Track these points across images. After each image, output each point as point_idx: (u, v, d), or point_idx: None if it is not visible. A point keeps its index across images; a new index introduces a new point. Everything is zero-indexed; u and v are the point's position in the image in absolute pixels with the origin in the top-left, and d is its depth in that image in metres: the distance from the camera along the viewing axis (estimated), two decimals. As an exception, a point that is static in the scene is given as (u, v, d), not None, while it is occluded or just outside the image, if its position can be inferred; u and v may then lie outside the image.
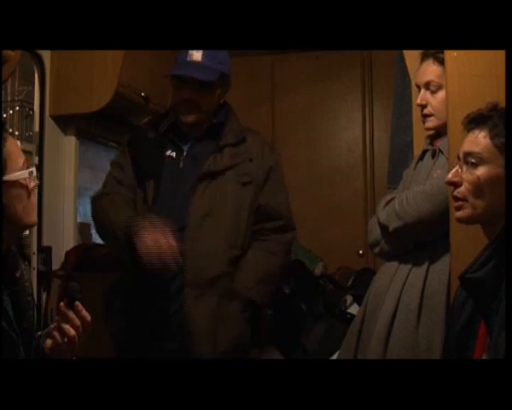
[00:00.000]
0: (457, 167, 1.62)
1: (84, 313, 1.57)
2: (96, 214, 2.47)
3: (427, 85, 2.21)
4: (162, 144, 2.48)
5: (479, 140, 1.58)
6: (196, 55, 2.38)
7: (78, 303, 1.56)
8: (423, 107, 2.22)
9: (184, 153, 2.47)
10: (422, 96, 2.22)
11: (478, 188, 1.56)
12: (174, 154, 2.47)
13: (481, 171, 1.56)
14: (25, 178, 1.57)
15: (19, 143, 1.65)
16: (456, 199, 1.61)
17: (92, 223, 2.51)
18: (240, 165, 2.45)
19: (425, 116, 2.23)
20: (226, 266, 2.38)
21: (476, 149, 1.58)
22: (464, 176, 1.59)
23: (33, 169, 1.60)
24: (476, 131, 1.59)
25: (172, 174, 2.44)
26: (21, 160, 1.58)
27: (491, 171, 1.55)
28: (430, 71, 2.20)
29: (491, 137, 1.56)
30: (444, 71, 2.10)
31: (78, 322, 1.55)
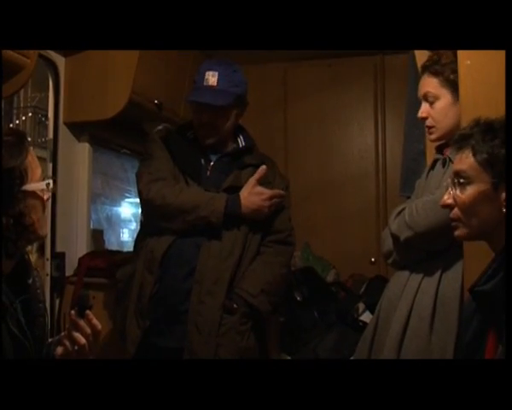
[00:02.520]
0: (450, 189, 1.65)
1: (95, 321, 1.56)
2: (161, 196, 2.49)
3: (425, 97, 2.24)
4: (195, 149, 2.60)
5: (463, 159, 1.61)
6: (212, 79, 2.50)
7: (88, 312, 1.55)
8: (425, 119, 2.25)
9: (212, 163, 2.60)
10: (423, 108, 2.25)
11: (468, 208, 1.60)
12: (203, 161, 2.60)
13: (469, 191, 1.59)
14: (42, 190, 1.58)
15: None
16: (452, 220, 1.65)
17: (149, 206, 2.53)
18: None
19: (428, 128, 2.26)
20: (233, 268, 2.47)
21: (462, 168, 1.60)
22: (456, 197, 1.62)
23: (50, 181, 1.61)
24: (461, 151, 1.62)
25: (201, 180, 2.55)
26: (39, 171, 1.59)
27: (478, 189, 1.58)
28: (426, 83, 2.23)
29: (474, 155, 1.58)
30: (439, 82, 2.18)
31: (88, 331, 1.54)
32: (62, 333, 1.62)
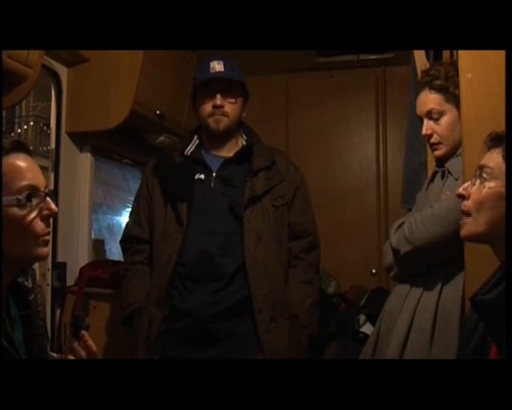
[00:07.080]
0: (469, 182, 1.64)
1: (90, 343, 1.52)
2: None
3: (428, 115, 2.22)
4: (190, 167, 2.54)
5: (493, 156, 1.60)
6: (218, 66, 2.49)
7: (84, 333, 1.51)
8: (430, 136, 2.22)
9: (214, 174, 2.53)
10: (426, 125, 2.22)
11: (481, 201, 1.58)
12: (203, 176, 2.53)
13: (489, 185, 1.58)
14: (13, 205, 1.41)
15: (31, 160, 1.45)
16: (463, 212, 1.63)
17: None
18: (275, 188, 2.54)
19: (433, 145, 2.24)
20: (283, 287, 2.51)
21: (489, 164, 1.60)
22: (472, 189, 1.61)
23: (21, 197, 1.41)
24: (493, 149, 1.62)
25: (204, 195, 2.50)
26: (17, 183, 1.42)
27: (497, 186, 1.56)
28: (429, 100, 2.21)
29: (503, 156, 1.58)
30: (444, 98, 2.17)
31: (83, 354, 1.51)
32: (60, 355, 1.60)
